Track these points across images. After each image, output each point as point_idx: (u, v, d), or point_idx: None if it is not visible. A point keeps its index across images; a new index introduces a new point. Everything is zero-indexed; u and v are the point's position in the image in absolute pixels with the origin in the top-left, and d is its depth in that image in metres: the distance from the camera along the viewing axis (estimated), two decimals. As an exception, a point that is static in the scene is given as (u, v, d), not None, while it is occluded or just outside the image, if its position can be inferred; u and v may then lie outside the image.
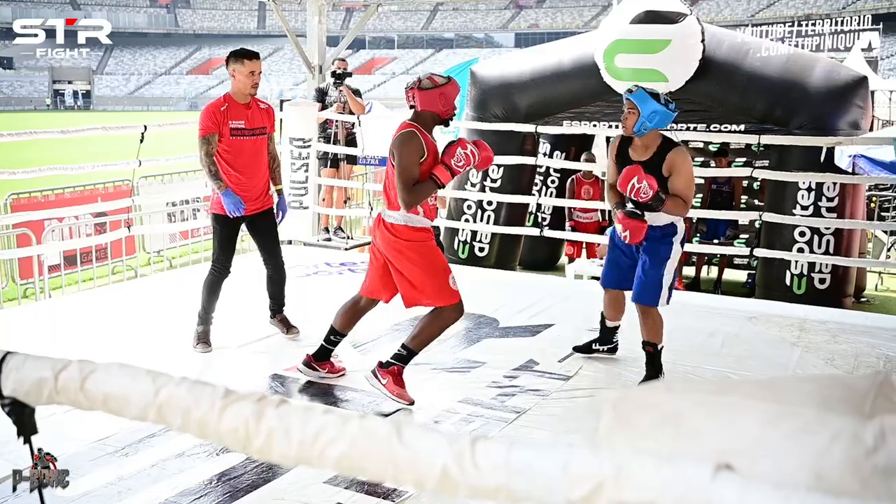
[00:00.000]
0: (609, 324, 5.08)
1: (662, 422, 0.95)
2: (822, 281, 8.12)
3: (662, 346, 4.73)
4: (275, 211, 5.40)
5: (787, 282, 8.17)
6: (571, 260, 9.61)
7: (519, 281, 7.67)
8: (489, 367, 4.93)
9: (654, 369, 4.74)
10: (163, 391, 1.18)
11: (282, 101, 8.44)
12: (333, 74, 8.44)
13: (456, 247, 9.56)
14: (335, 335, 4.69)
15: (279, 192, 5.44)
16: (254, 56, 5.11)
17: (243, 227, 5.39)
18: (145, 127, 7.12)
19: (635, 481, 0.84)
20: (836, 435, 0.89)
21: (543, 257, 10.86)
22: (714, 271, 9.86)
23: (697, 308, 6.23)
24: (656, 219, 4.57)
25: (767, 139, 7.34)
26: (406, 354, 4.38)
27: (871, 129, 9.45)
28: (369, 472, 1.05)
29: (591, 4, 69.45)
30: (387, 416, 4.13)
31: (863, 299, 9.40)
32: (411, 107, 4.39)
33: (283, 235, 8.50)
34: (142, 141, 7.04)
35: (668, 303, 4.64)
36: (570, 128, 9.08)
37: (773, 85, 8.22)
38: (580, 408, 4.32)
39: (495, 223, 9.28)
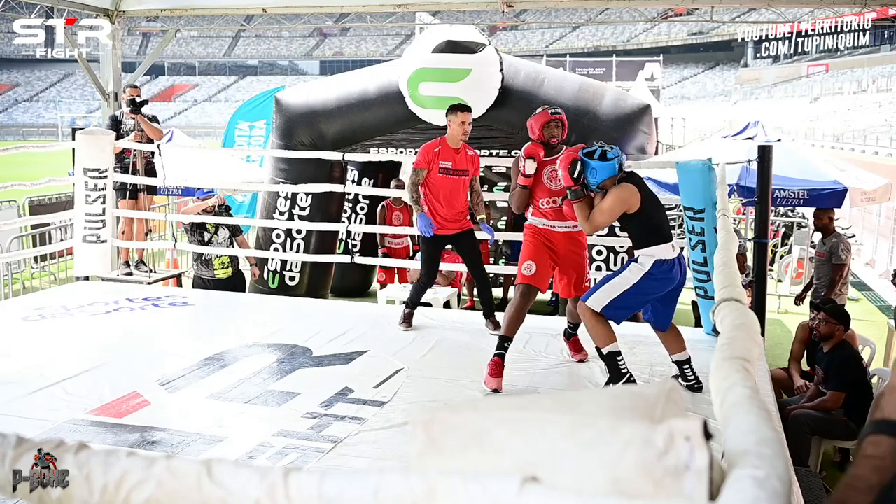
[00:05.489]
0: (673, 358, 5.14)
1: (469, 441, 0.98)
2: (618, 296, 8.59)
3: (610, 351, 4.83)
4: (484, 234, 6.38)
5: (588, 298, 8.58)
6: (384, 286, 9.67)
7: (331, 309, 7.62)
8: (304, 397, 4.86)
9: (612, 374, 4.87)
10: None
11: (74, 130, 7.99)
12: (132, 103, 8.08)
13: (266, 276, 9.38)
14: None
15: (482, 221, 6.31)
16: (466, 109, 6.00)
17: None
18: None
19: (445, 501, 0.86)
20: (628, 441, 0.95)
21: (355, 284, 10.87)
22: (520, 291, 10.20)
23: (506, 327, 6.43)
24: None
25: (564, 164, 7.70)
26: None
27: (656, 153, 10.16)
28: (179, 514, 1.01)
29: (395, 34, 70.70)
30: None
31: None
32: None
33: (79, 272, 8.06)
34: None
35: (603, 314, 4.85)
36: (377, 155, 9.17)
37: (566, 112, 8.66)
38: (397, 433, 4.33)
39: (305, 251, 9.20)
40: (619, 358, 4.85)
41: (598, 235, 8.41)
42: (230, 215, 8.57)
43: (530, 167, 5.22)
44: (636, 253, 4.91)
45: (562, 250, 5.40)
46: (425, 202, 6.09)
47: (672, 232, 5.01)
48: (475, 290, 9.87)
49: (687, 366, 5.05)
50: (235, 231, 8.27)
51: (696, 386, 4.98)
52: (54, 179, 8.87)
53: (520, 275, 5.31)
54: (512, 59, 9.48)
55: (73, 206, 8.10)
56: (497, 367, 5.08)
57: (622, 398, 1.01)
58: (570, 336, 5.71)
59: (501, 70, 8.67)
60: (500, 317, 6.80)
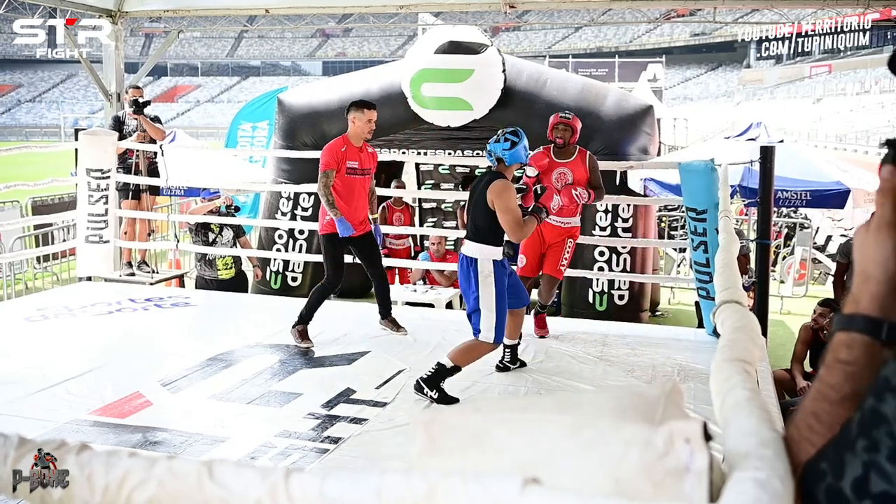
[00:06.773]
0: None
1: (470, 441, 0.98)
2: (620, 297, 8.59)
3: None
4: (374, 234, 6.18)
5: (590, 299, 8.59)
6: (385, 286, 9.65)
7: (333, 309, 7.62)
8: (306, 398, 4.86)
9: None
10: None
11: (77, 131, 8.00)
12: (135, 104, 8.08)
13: (268, 277, 9.39)
14: None
15: (374, 221, 6.19)
16: (372, 106, 5.98)
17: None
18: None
19: (446, 501, 0.86)
20: (629, 442, 0.95)
21: (357, 285, 10.84)
22: (522, 292, 10.19)
23: (508, 328, 6.43)
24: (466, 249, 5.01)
25: (566, 164, 7.70)
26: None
27: (658, 154, 10.16)
28: (181, 514, 1.01)
29: (398, 34, 70.69)
30: None
31: (657, 313, 10.03)
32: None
33: (81, 272, 8.07)
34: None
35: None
36: (379, 155, 9.15)
37: (569, 113, 8.66)
38: (398, 434, 4.34)
39: (307, 252, 9.20)
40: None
41: (600, 236, 8.42)
42: (236, 216, 8.58)
43: (530, 171, 5.51)
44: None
45: (550, 239, 6.07)
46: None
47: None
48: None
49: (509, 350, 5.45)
50: (239, 232, 8.28)
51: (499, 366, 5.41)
52: (57, 180, 8.89)
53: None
54: (514, 59, 9.48)
55: (75, 207, 8.11)
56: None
57: (623, 399, 1.01)
58: (538, 313, 6.32)
59: (504, 71, 8.67)
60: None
